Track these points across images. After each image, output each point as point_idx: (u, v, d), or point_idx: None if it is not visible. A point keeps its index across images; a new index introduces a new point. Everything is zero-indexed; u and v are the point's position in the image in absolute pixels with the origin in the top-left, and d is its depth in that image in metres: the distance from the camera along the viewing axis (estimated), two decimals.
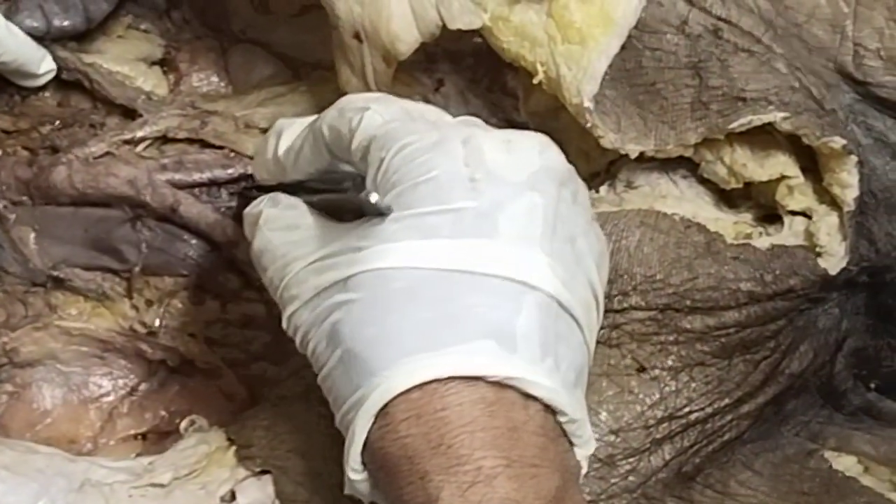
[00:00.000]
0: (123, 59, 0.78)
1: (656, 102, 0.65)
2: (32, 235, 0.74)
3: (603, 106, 0.65)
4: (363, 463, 0.53)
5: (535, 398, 0.52)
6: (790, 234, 0.67)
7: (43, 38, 0.75)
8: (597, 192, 0.69)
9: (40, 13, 0.74)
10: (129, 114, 0.76)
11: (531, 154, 0.55)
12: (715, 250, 0.65)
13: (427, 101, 0.69)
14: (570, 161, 0.57)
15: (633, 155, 0.66)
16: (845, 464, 0.68)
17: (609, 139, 0.65)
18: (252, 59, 0.80)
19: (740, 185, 0.67)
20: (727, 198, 0.69)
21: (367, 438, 0.52)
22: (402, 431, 0.51)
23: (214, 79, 0.80)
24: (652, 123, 0.66)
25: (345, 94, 0.64)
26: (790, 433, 0.69)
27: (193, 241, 0.73)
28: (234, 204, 0.72)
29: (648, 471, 0.65)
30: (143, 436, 0.74)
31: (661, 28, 0.65)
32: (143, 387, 0.75)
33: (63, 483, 0.62)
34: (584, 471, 0.55)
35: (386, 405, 0.51)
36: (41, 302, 0.75)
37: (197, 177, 0.73)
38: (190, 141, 0.74)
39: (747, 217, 0.69)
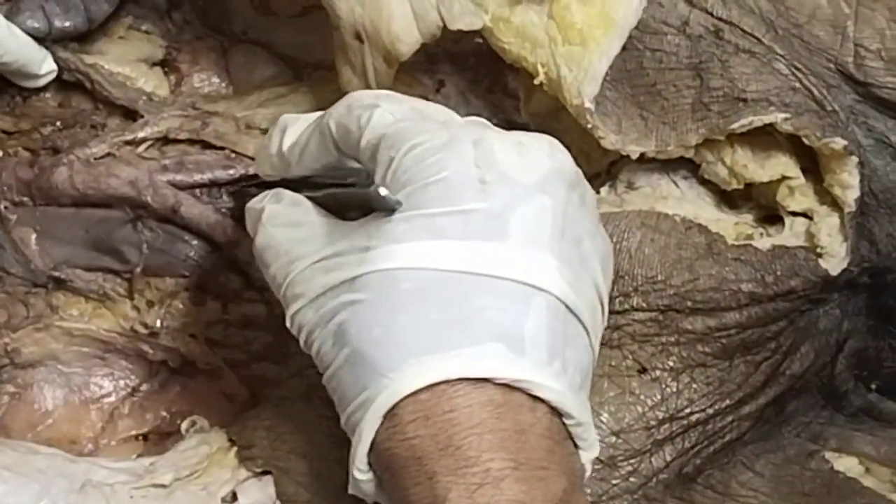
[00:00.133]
0: (124, 60, 0.78)
1: (657, 103, 0.65)
2: (34, 236, 0.74)
3: (604, 107, 0.65)
4: (369, 463, 0.53)
5: (542, 401, 0.52)
6: (791, 234, 0.67)
7: (44, 39, 0.75)
8: (598, 192, 0.69)
9: (41, 14, 0.74)
10: (131, 115, 0.77)
11: (541, 156, 0.55)
12: (716, 251, 0.65)
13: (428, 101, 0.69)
14: None
15: (634, 156, 0.66)
16: (846, 465, 0.68)
17: (610, 140, 0.65)
18: (253, 60, 0.80)
19: (741, 186, 0.67)
20: (728, 199, 0.69)
21: (373, 439, 0.52)
22: (410, 432, 0.51)
23: (215, 79, 0.80)
24: (653, 124, 0.66)
25: (346, 94, 0.64)
26: (791, 434, 0.68)
27: (194, 242, 0.73)
28: (234, 205, 0.72)
29: (649, 472, 0.65)
30: (145, 436, 0.74)
31: (661, 29, 0.65)
32: (144, 387, 0.75)
33: (64, 484, 0.62)
34: (587, 474, 0.55)
35: (394, 406, 0.51)
36: (42, 303, 0.75)
37: (198, 178, 0.73)
38: (191, 142, 0.74)
39: (748, 218, 0.69)
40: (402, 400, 0.51)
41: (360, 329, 0.53)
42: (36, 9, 0.74)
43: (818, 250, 0.66)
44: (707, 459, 0.66)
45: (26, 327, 0.74)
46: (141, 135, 0.74)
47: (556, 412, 0.53)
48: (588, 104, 0.64)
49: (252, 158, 0.72)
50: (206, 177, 0.73)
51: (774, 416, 0.68)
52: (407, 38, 0.65)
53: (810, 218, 0.67)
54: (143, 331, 0.74)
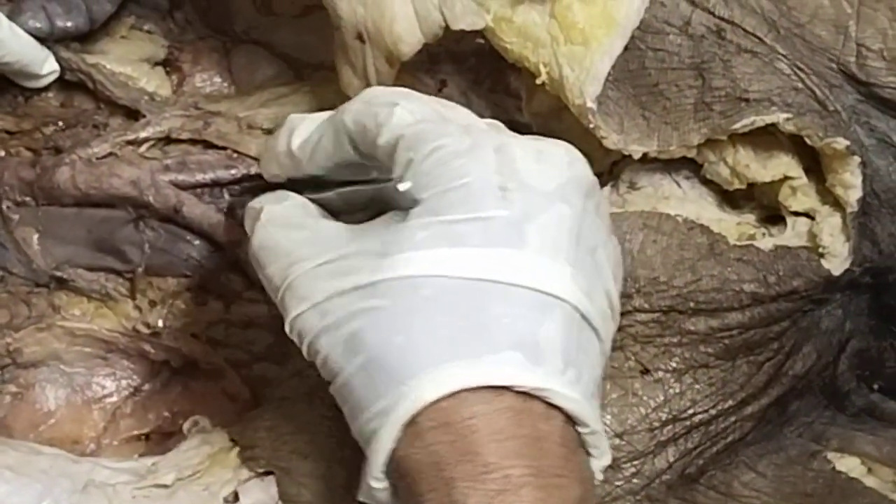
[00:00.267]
0: (126, 60, 0.78)
1: (659, 103, 0.65)
2: (36, 236, 0.74)
3: (606, 107, 0.65)
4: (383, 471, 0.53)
5: (557, 409, 0.52)
6: (793, 235, 0.67)
7: (46, 39, 0.75)
8: None
9: (43, 14, 0.74)
10: (133, 114, 0.77)
11: (560, 164, 0.55)
12: (718, 252, 0.65)
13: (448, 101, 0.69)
14: None
15: (637, 156, 0.66)
16: (848, 465, 0.68)
17: (612, 140, 0.65)
18: (255, 60, 0.80)
19: (743, 186, 0.67)
20: (730, 199, 0.69)
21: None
22: (431, 439, 0.51)
23: (217, 79, 0.80)
24: (655, 124, 0.66)
25: (347, 95, 0.64)
26: (793, 434, 0.68)
27: (196, 242, 0.73)
28: (236, 204, 0.72)
29: (652, 473, 0.65)
30: (147, 436, 0.74)
31: (663, 29, 0.65)
32: (146, 387, 0.75)
33: (67, 484, 0.62)
34: (597, 481, 0.55)
35: (414, 414, 0.51)
36: (44, 302, 0.75)
37: (200, 177, 0.73)
38: (193, 142, 0.74)
39: (750, 218, 0.69)
40: (423, 407, 0.51)
41: (379, 336, 0.52)
42: (38, 9, 0.74)
43: (820, 250, 0.66)
44: (710, 460, 0.66)
45: (28, 327, 0.74)
46: (143, 135, 0.74)
47: (571, 420, 0.53)
48: (590, 104, 0.64)
49: (254, 158, 0.72)
50: (208, 177, 0.74)
51: (777, 417, 0.68)
52: (409, 38, 0.65)
53: (812, 218, 0.67)
54: (145, 331, 0.74)
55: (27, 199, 0.74)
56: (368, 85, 0.67)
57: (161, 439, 0.73)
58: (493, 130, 0.57)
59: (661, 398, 0.65)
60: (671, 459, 0.65)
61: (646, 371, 0.65)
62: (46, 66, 0.76)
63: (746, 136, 0.66)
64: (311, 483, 0.64)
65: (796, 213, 0.67)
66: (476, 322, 0.52)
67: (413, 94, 0.57)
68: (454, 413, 0.51)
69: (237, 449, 0.66)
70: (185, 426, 0.69)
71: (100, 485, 0.62)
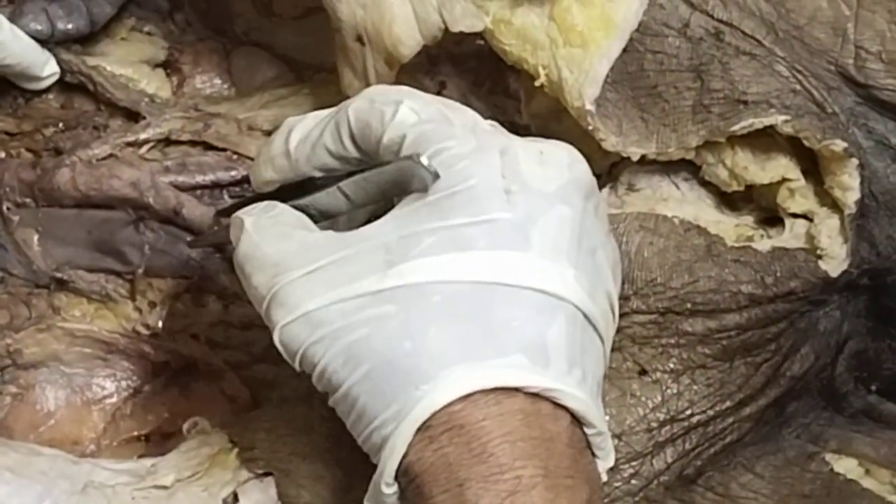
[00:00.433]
0: (127, 62, 0.79)
1: (658, 105, 0.65)
2: (36, 237, 0.75)
3: (604, 109, 0.65)
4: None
5: (564, 410, 0.52)
6: (791, 236, 0.67)
7: (47, 41, 0.75)
8: None
9: (44, 16, 0.75)
10: (133, 116, 0.77)
11: (561, 166, 0.55)
12: (715, 253, 0.65)
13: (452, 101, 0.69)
14: None
15: (635, 157, 0.66)
16: (846, 466, 0.68)
17: (611, 142, 0.65)
18: (255, 62, 0.80)
19: (741, 188, 0.67)
20: (728, 200, 0.69)
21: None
22: (444, 441, 0.51)
23: (217, 81, 0.80)
24: (653, 126, 0.66)
25: (347, 96, 0.64)
26: (791, 436, 0.68)
27: None
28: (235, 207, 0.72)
29: (650, 474, 0.65)
30: (146, 437, 0.74)
31: (662, 31, 0.65)
32: (145, 388, 0.75)
33: (66, 485, 0.62)
34: (602, 482, 0.55)
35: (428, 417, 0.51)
36: (44, 303, 0.75)
37: (199, 179, 0.74)
38: (193, 143, 0.75)
39: (749, 220, 0.69)
40: (437, 411, 0.51)
41: (389, 343, 0.52)
42: (39, 11, 0.75)
43: (818, 252, 0.66)
44: (707, 461, 0.66)
45: (28, 328, 0.74)
46: (143, 136, 0.74)
47: (577, 421, 0.53)
48: (589, 106, 0.64)
49: (254, 160, 0.72)
50: (208, 178, 0.74)
51: (774, 418, 0.68)
52: (408, 40, 0.65)
53: (810, 220, 0.67)
54: (144, 332, 0.74)
55: (27, 200, 0.74)
56: (368, 86, 0.67)
57: (161, 440, 0.74)
58: (497, 132, 0.57)
59: (659, 399, 0.65)
60: (669, 460, 0.65)
61: (644, 372, 0.65)
62: (47, 68, 0.76)
63: (745, 137, 0.66)
64: (310, 484, 0.64)
65: (794, 215, 0.67)
66: (485, 325, 0.52)
67: (417, 94, 0.57)
68: (468, 415, 0.51)
69: (236, 450, 0.66)
70: (185, 427, 0.69)
71: (99, 486, 0.62)
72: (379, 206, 0.58)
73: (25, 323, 0.74)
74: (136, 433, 0.74)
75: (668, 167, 0.68)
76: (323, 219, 0.58)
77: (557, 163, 0.55)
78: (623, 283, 0.64)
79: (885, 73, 0.65)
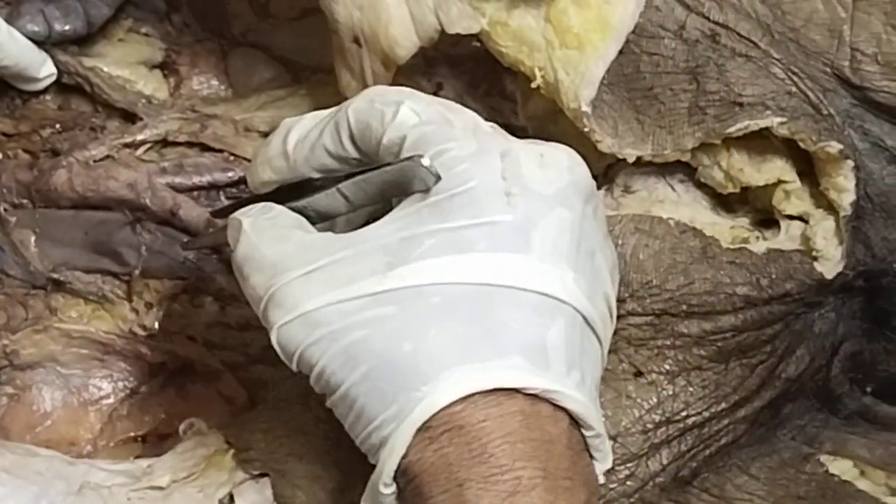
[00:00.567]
0: (124, 63, 0.79)
1: (654, 107, 0.65)
2: (33, 238, 0.75)
3: (601, 110, 0.65)
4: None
5: (564, 412, 0.52)
6: (786, 238, 0.67)
7: (44, 43, 0.75)
8: None
9: (41, 18, 0.75)
10: (130, 117, 0.77)
11: (561, 169, 0.55)
12: (710, 255, 0.65)
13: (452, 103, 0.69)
14: None
15: (631, 159, 0.66)
16: (841, 468, 0.68)
17: (606, 144, 0.65)
18: (252, 63, 0.80)
19: (737, 190, 0.67)
20: (724, 202, 0.69)
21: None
22: (444, 442, 0.51)
23: (214, 82, 0.80)
24: (649, 128, 0.66)
25: (344, 98, 0.64)
26: (786, 437, 0.69)
27: None
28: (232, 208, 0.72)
29: (646, 475, 0.65)
30: (143, 438, 0.74)
31: (658, 33, 0.65)
32: (142, 389, 0.75)
33: (62, 486, 0.62)
34: (599, 483, 0.56)
35: (428, 418, 0.51)
36: (41, 304, 0.75)
37: (196, 180, 0.74)
38: (190, 144, 0.75)
39: (744, 221, 0.69)
40: (437, 412, 0.51)
41: (388, 344, 0.52)
42: (36, 13, 0.75)
43: (814, 254, 0.66)
44: (703, 463, 0.66)
45: (25, 329, 0.74)
46: (140, 137, 0.75)
47: (576, 423, 0.53)
48: (585, 108, 0.64)
49: (251, 161, 0.72)
50: (205, 179, 0.74)
51: (770, 420, 0.68)
52: (405, 41, 0.65)
53: (806, 222, 0.67)
54: (141, 332, 0.74)
55: (24, 201, 0.75)
56: (366, 88, 0.67)
57: (157, 441, 0.74)
58: (497, 134, 0.57)
59: (655, 400, 0.65)
60: (664, 462, 0.65)
61: (639, 373, 0.65)
62: (44, 69, 0.76)
63: (740, 139, 0.66)
64: (306, 485, 0.64)
65: (790, 217, 0.67)
66: (485, 327, 0.52)
67: (418, 95, 0.57)
68: (468, 416, 0.51)
69: (232, 451, 0.66)
70: (181, 428, 0.69)
71: (95, 487, 0.62)
72: (378, 207, 0.58)
73: (22, 324, 0.74)
74: (132, 434, 0.74)
75: (664, 169, 0.68)
76: (321, 220, 0.58)
77: (557, 165, 0.55)
78: (619, 284, 0.64)
79: (880, 75, 0.65)
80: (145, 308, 0.74)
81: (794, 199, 0.67)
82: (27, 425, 0.74)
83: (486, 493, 0.50)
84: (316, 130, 0.58)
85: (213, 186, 0.74)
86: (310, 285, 0.53)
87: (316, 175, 0.58)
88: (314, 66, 0.78)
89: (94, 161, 0.74)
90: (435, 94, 0.72)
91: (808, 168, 0.67)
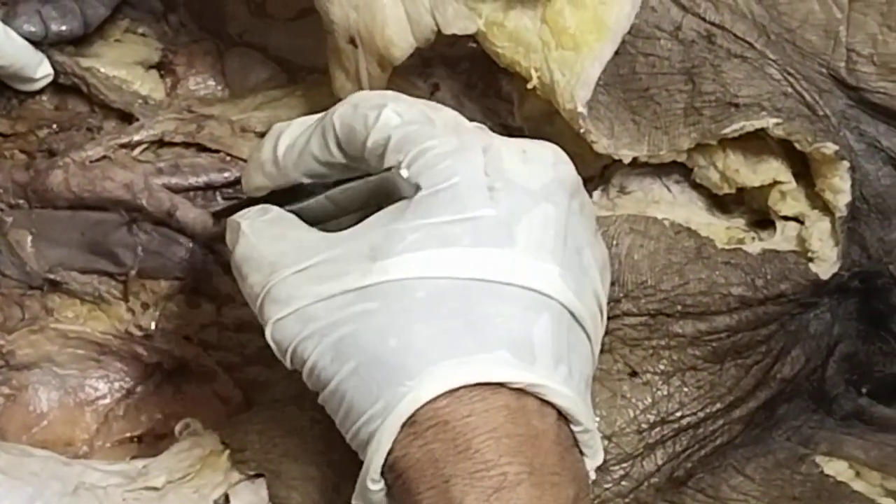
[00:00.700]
0: (120, 63, 0.79)
1: (649, 108, 0.65)
2: (29, 238, 0.75)
3: (596, 111, 0.65)
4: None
5: (551, 407, 0.53)
6: (782, 239, 0.67)
7: (40, 43, 0.75)
8: (590, 196, 0.69)
9: (38, 18, 0.74)
10: (126, 118, 0.77)
11: (545, 164, 0.55)
12: (705, 255, 0.65)
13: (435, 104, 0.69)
14: None
15: (627, 160, 0.66)
16: (836, 469, 0.68)
17: (602, 144, 0.65)
18: (249, 63, 0.80)
19: (733, 191, 0.67)
20: (720, 203, 0.69)
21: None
22: (429, 437, 0.51)
23: (211, 82, 0.80)
24: (645, 129, 0.66)
25: (340, 98, 0.65)
26: (782, 438, 0.69)
27: (189, 245, 0.73)
28: (229, 208, 0.72)
29: (641, 476, 0.65)
30: (139, 438, 0.74)
31: (654, 34, 0.65)
32: (138, 389, 0.75)
33: (57, 486, 0.62)
34: (591, 480, 0.56)
35: (413, 413, 0.51)
36: (38, 305, 0.75)
37: (193, 180, 0.74)
38: (186, 145, 0.75)
39: (740, 222, 0.69)
40: (422, 406, 0.51)
41: (374, 339, 0.52)
42: (32, 13, 0.74)
43: (809, 255, 0.66)
44: (698, 463, 0.66)
45: (21, 329, 0.74)
46: (136, 138, 0.74)
47: (564, 419, 0.53)
48: (581, 109, 0.64)
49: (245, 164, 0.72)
50: (202, 180, 0.74)
51: (765, 420, 0.68)
52: (401, 42, 0.65)
53: (801, 222, 0.67)
54: (137, 333, 0.74)
55: (21, 201, 0.74)
56: (361, 89, 0.67)
57: (154, 441, 0.74)
58: (479, 130, 0.57)
59: (650, 401, 0.65)
60: (659, 462, 0.65)
61: (634, 373, 0.65)
62: (41, 69, 0.76)
63: (736, 140, 0.66)
64: (301, 485, 0.64)
65: (785, 218, 0.67)
66: (469, 321, 0.52)
67: (400, 97, 0.57)
68: (453, 411, 0.51)
69: (228, 452, 0.66)
70: (177, 429, 0.69)
71: (90, 487, 0.62)
72: (369, 210, 0.58)
73: (18, 324, 0.74)
74: (128, 434, 0.74)
75: (660, 170, 0.68)
76: (314, 224, 0.59)
77: (542, 161, 0.56)
78: (613, 285, 0.64)
79: (876, 76, 0.65)
80: (141, 309, 0.74)
81: (790, 199, 0.67)
82: (23, 426, 0.74)
83: (472, 489, 0.50)
84: (303, 137, 0.58)
85: (210, 187, 0.74)
86: (302, 281, 0.54)
87: (306, 180, 0.59)
88: (311, 66, 0.78)
89: (91, 161, 0.74)
90: (431, 94, 0.72)
91: (804, 169, 0.67)
